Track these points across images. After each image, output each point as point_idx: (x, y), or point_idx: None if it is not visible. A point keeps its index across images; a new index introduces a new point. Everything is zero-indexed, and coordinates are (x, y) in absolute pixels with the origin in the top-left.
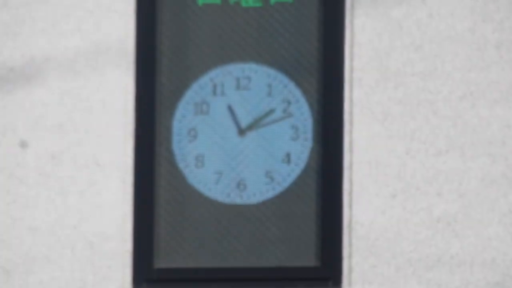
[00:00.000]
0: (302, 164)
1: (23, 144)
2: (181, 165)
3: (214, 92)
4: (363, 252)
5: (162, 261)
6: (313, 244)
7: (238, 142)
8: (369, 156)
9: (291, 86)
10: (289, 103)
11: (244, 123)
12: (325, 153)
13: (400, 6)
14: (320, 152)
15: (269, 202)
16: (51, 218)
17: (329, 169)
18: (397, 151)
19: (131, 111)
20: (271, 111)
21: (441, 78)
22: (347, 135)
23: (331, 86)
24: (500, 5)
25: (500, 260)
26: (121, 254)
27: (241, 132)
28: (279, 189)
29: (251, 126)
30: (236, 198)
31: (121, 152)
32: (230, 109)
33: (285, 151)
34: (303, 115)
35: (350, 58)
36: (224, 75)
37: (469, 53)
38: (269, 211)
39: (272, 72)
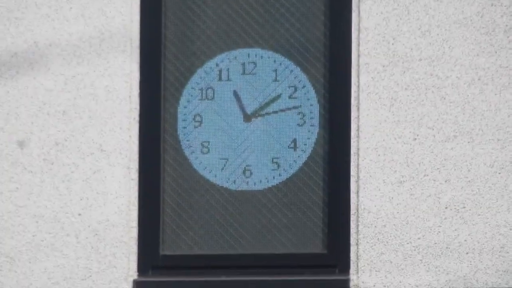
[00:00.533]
0: (308, 150)
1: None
2: (186, 151)
3: (220, 78)
4: (371, 239)
5: (167, 248)
6: (319, 231)
7: (244, 128)
8: (376, 142)
9: (297, 71)
10: (295, 88)
11: (249, 108)
12: (331, 139)
13: None
14: (326, 138)
15: (275, 189)
16: (55, 205)
17: (335, 155)
18: (405, 137)
19: (136, 97)
20: (277, 96)
21: (449, 63)
22: (354, 121)
23: (338, 71)
24: None
25: (509, 247)
26: (126, 242)
27: (247, 117)
28: (285, 175)
29: (257, 112)
30: (242, 185)
31: (126, 138)
32: (236, 94)
33: (292, 137)
34: (310, 101)
35: (357, 43)
36: (230, 60)
37: (477, 38)
38: (275, 197)
39: (278, 57)
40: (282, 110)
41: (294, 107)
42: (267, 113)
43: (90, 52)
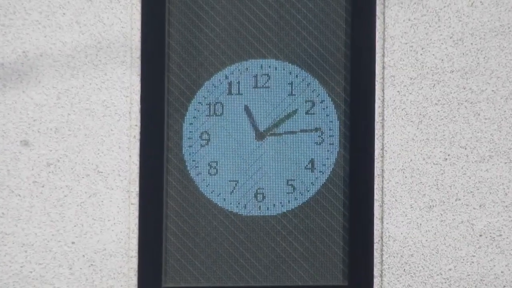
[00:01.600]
0: (327, 171)
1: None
2: (192, 172)
3: (230, 91)
4: (396, 270)
5: (170, 280)
6: (339, 261)
7: (256, 146)
8: (403, 163)
9: (315, 84)
10: (313, 103)
11: (262, 125)
12: (353, 160)
13: None
14: (347, 158)
15: (291, 214)
16: (46, 232)
17: (357, 177)
18: (435, 157)
19: (137, 113)
20: (293, 112)
21: (484, 75)
22: (378, 140)
23: (360, 84)
24: None
25: None
26: (125, 273)
27: (259, 135)
28: (301, 199)
29: (271, 129)
30: (254, 209)
31: (125, 158)
32: (247, 110)
33: (309, 157)
34: (329, 117)
35: (381, 53)
36: (241, 72)
37: None
38: (290, 223)
39: (294, 69)
40: (298, 128)
41: (312, 124)
42: (282, 131)
43: (86, 63)
